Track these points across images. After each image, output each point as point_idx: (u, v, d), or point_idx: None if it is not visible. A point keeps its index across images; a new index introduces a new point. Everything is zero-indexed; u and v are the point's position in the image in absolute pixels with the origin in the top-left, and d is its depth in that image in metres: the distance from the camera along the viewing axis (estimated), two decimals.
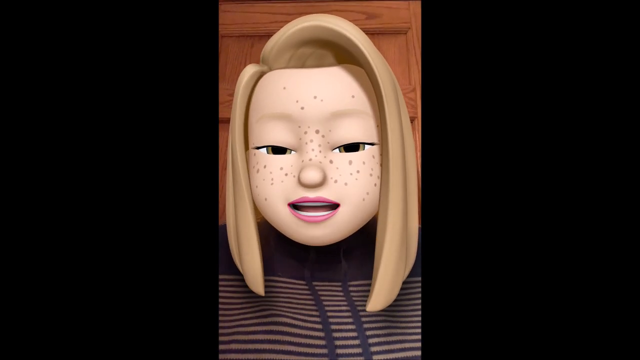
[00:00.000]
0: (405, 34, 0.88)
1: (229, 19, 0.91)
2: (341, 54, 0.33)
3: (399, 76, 0.86)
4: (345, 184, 0.30)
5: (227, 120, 0.85)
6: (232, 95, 0.86)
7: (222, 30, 0.90)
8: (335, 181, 0.30)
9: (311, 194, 0.29)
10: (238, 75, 0.87)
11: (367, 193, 0.30)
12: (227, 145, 0.84)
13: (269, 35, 0.90)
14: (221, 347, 0.29)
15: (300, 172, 0.28)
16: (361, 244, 0.38)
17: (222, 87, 0.87)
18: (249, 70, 0.33)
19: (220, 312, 0.32)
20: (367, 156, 0.30)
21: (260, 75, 0.34)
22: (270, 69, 0.34)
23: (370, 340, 0.30)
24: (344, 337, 0.30)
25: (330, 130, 0.30)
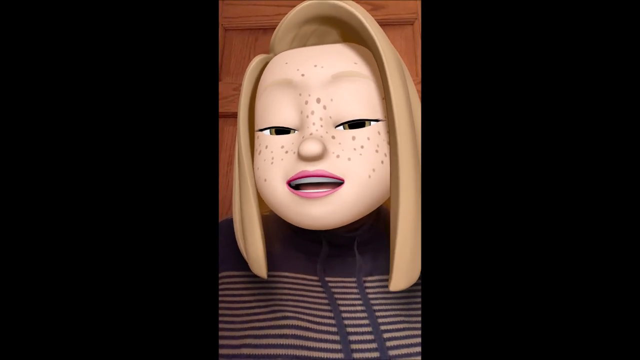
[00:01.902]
0: (412, 24, 0.86)
1: (233, 12, 0.90)
2: (343, 32, 0.33)
3: (407, 67, 0.84)
4: (349, 159, 0.28)
5: (232, 115, 0.84)
6: (237, 89, 0.85)
7: (226, 23, 0.89)
8: (338, 156, 0.28)
9: (310, 167, 0.28)
10: (242, 69, 0.87)
11: (373, 170, 0.28)
12: (233, 139, 0.83)
13: (273, 29, 0.89)
14: (232, 351, 0.27)
15: (299, 145, 0.27)
16: (375, 238, 0.36)
17: (227, 80, 0.86)
18: (257, 59, 0.34)
19: (231, 313, 0.31)
20: (372, 132, 0.29)
21: (268, 63, 0.35)
22: (276, 55, 0.34)
23: (388, 344, 0.28)
24: (361, 340, 0.28)
25: (331, 100, 0.29)
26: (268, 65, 0.33)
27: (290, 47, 0.34)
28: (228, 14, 0.90)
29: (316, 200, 0.28)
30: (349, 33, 0.32)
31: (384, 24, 0.87)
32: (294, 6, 0.89)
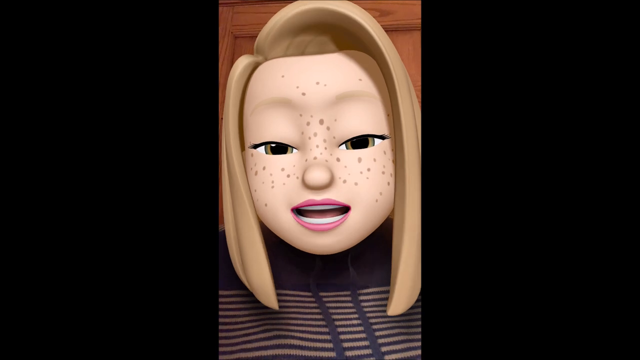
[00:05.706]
0: (420, 30, 0.86)
1: (244, 20, 0.91)
2: (345, 39, 0.30)
3: (415, 73, 0.84)
4: (356, 183, 0.27)
5: None
6: None
7: (235, 31, 0.91)
8: (344, 181, 0.27)
9: (318, 197, 0.26)
10: None
11: (380, 193, 0.27)
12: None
13: None
14: None
15: (304, 172, 0.25)
16: (370, 248, 0.35)
17: None
18: (243, 62, 0.29)
19: (221, 334, 0.29)
20: (377, 152, 0.27)
21: (255, 67, 0.30)
22: (266, 59, 0.30)
23: (387, 358, 0.27)
24: (358, 355, 0.27)
25: (335, 120, 0.27)
26: (259, 73, 0.29)
27: (285, 54, 0.30)
28: (238, 22, 0.91)
29: (324, 232, 0.27)
30: (351, 39, 0.29)
31: (392, 30, 0.87)
32: None
